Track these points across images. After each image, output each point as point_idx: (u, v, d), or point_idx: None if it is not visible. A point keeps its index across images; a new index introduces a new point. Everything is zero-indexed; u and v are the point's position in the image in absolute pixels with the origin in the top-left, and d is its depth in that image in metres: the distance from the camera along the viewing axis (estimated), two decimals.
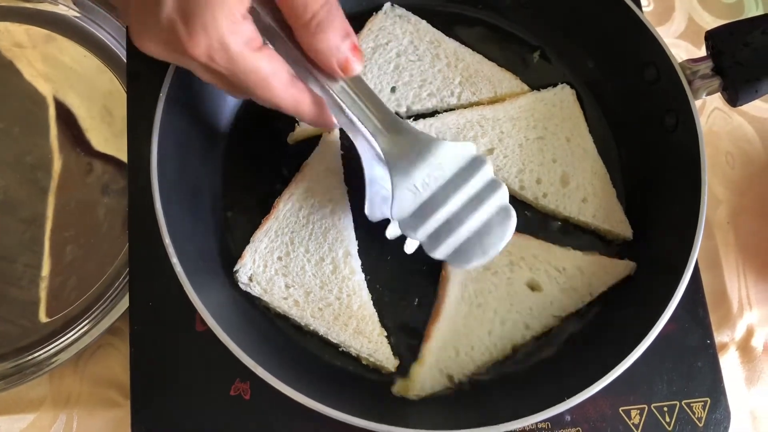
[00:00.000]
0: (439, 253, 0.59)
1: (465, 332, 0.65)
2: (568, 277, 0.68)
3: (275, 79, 0.51)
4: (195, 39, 0.47)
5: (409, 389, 0.63)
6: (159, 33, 0.48)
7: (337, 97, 0.55)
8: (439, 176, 0.58)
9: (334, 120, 0.58)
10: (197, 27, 0.46)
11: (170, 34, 0.47)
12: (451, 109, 0.74)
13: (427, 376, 0.63)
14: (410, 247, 0.61)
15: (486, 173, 0.59)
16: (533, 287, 0.67)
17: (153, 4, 0.47)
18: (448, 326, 0.65)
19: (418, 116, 0.73)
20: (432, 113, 0.74)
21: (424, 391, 0.63)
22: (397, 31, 0.76)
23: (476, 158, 0.59)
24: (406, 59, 0.75)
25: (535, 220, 0.72)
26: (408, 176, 0.58)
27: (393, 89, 0.74)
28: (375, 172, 0.60)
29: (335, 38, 0.51)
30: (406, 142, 0.58)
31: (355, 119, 0.56)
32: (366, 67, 0.74)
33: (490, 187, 0.59)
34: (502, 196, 0.59)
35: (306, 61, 0.53)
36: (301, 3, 0.49)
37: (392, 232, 0.61)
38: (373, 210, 0.61)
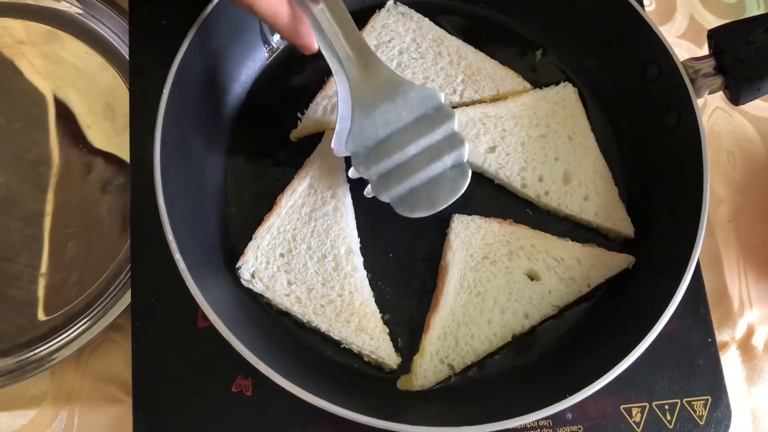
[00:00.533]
0: (386, 196, 0.59)
1: (465, 321, 0.65)
2: (567, 267, 0.68)
3: None
4: None
5: (413, 381, 0.63)
6: None
7: (315, 17, 0.56)
8: (401, 118, 0.59)
9: (314, 43, 0.58)
10: None
11: None
12: (454, 107, 0.74)
13: (429, 366, 0.64)
14: (368, 191, 0.61)
15: (449, 126, 0.59)
16: (532, 277, 0.68)
17: None
18: (448, 316, 0.65)
19: None
20: None
21: (428, 381, 0.64)
22: (400, 28, 0.76)
23: (442, 108, 0.59)
24: (408, 57, 0.75)
25: (536, 217, 0.72)
26: (369, 110, 0.58)
27: None
28: (348, 108, 0.60)
29: None
30: (375, 76, 0.58)
31: (332, 46, 0.57)
32: None
33: (451, 141, 0.59)
34: (460, 153, 0.59)
35: None
36: None
37: (353, 172, 0.61)
38: (340, 145, 0.61)
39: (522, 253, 0.68)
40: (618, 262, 0.69)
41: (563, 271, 0.68)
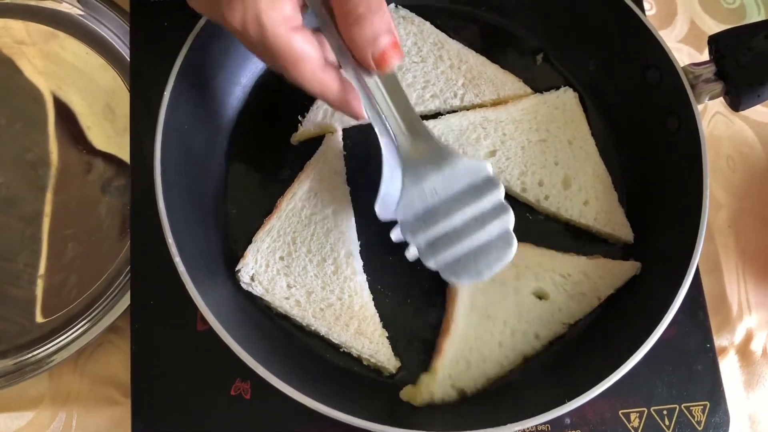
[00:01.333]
0: (433, 263, 0.58)
1: (476, 345, 0.65)
2: (575, 282, 0.67)
3: (305, 61, 0.52)
4: (233, 8, 0.49)
5: (417, 398, 0.63)
6: None
7: (368, 91, 0.56)
8: (450, 187, 0.58)
9: (363, 112, 0.58)
10: None
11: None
12: (454, 111, 0.74)
13: (438, 389, 0.63)
14: (411, 254, 0.60)
15: (496, 196, 0.58)
16: (540, 296, 0.67)
17: None
18: (459, 339, 0.65)
19: (420, 118, 0.73)
20: (435, 115, 0.74)
21: (433, 401, 0.63)
22: (401, 32, 0.76)
23: (490, 179, 0.59)
24: (409, 60, 0.75)
25: (536, 222, 0.72)
26: (419, 179, 0.58)
27: None
28: (394, 172, 0.60)
29: (374, 31, 0.51)
30: (425, 146, 0.58)
31: (382, 115, 0.57)
32: None
33: (498, 210, 0.58)
34: (507, 221, 0.58)
35: (347, 51, 0.54)
36: None
37: (397, 235, 0.61)
38: (384, 209, 0.61)
39: (529, 272, 0.67)
40: (625, 270, 0.69)
41: (572, 287, 0.67)
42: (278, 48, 0.50)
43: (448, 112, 0.74)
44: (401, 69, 0.75)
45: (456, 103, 0.74)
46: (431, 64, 0.75)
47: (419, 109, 0.74)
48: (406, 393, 0.64)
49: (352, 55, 0.53)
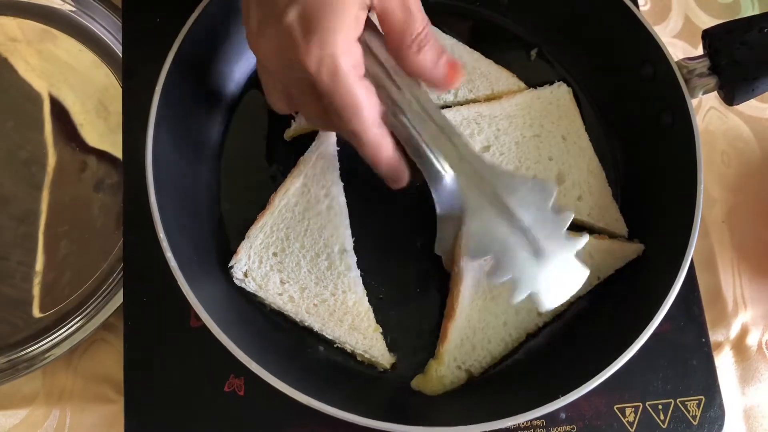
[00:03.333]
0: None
1: (481, 326, 0.65)
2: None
3: (368, 110, 0.53)
4: (310, 49, 0.49)
5: (430, 386, 0.63)
6: (277, 37, 0.50)
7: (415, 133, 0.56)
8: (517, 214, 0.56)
9: (407, 175, 0.59)
10: (315, 38, 0.49)
11: (288, 40, 0.50)
12: (448, 107, 0.74)
13: (447, 373, 0.63)
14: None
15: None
16: None
17: (277, 9, 0.50)
18: (465, 323, 0.65)
19: None
20: None
21: (445, 387, 0.64)
22: None
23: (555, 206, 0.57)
24: None
25: None
26: (481, 212, 0.57)
27: None
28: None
29: (434, 55, 0.55)
30: (483, 178, 0.57)
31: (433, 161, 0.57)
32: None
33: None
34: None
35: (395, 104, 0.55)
36: (407, 25, 0.53)
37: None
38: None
39: None
40: (627, 251, 0.68)
41: None
42: (346, 92, 0.51)
43: (442, 108, 0.74)
44: None
45: (449, 98, 0.74)
46: None
47: None
48: (418, 382, 0.64)
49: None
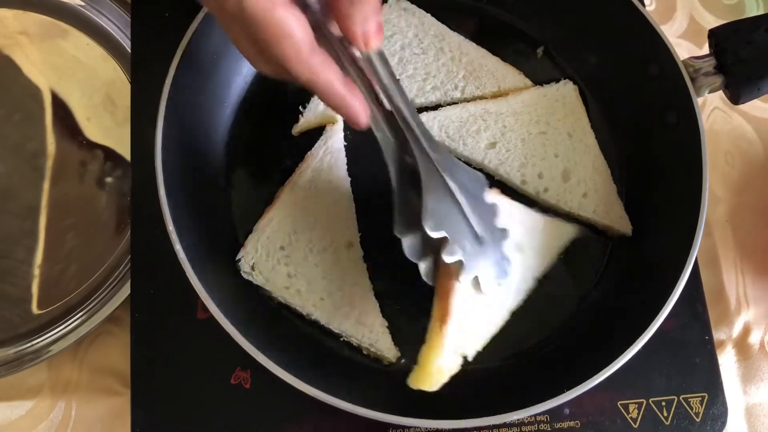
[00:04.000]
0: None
1: (471, 317, 0.65)
2: (537, 237, 0.68)
3: (290, 38, 0.47)
4: None
5: (428, 381, 0.63)
6: None
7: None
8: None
9: (363, 113, 0.52)
10: None
11: None
12: (455, 103, 0.74)
13: (445, 362, 0.63)
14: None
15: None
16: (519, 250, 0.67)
17: None
18: (457, 321, 0.64)
19: (421, 109, 0.74)
20: (435, 107, 0.74)
21: (443, 377, 0.63)
22: (402, 23, 0.76)
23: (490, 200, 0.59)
24: (410, 52, 0.75)
25: None
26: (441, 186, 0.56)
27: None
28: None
29: (369, 11, 0.48)
30: (429, 154, 0.56)
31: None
32: None
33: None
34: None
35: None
36: None
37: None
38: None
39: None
40: (569, 230, 0.69)
41: (537, 241, 0.68)
42: (258, 18, 0.46)
43: (449, 104, 0.74)
44: (402, 61, 0.75)
45: (457, 95, 0.74)
46: (432, 56, 0.75)
47: (420, 101, 0.74)
48: (415, 380, 0.63)
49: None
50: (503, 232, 0.60)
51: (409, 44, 0.75)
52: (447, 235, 0.55)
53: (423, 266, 0.59)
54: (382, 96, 0.53)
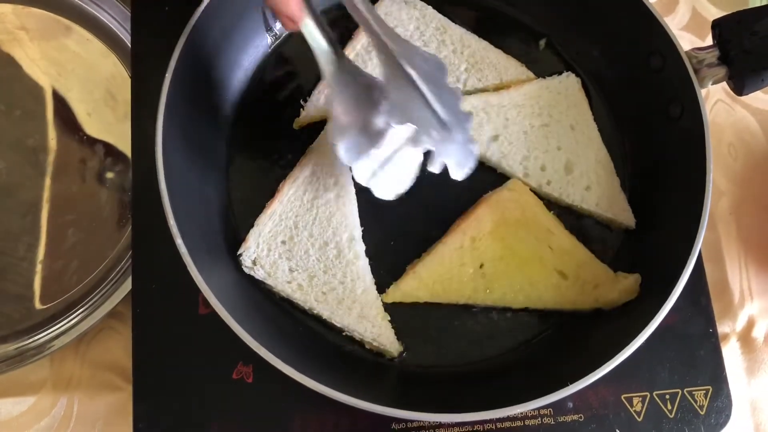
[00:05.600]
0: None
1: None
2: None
3: None
4: None
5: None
6: None
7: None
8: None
9: (300, 16, 0.56)
10: None
11: None
12: None
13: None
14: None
15: None
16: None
17: None
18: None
19: None
20: None
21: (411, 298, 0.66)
22: (403, 16, 0.76)
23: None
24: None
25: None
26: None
27: None
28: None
29: None
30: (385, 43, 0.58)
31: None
32: (370, 53, 0.74)
33: None
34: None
35: None
36: None
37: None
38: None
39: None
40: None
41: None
42: None
43: None
44: None
45: (458, 87, 0.74)
46: (434, 48, 0.75)
47: None
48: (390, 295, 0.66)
49: None
50: (467, 116, 0.62)
51: (411, 37, 0.75)
52: (414, 126, 0.59)
53: (358, 168, 0.62)
54: None
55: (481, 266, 0.66)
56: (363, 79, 0.61)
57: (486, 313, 0.67)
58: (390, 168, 0.63)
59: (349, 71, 0.60)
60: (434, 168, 0.62)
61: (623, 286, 0.66)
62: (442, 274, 0.65)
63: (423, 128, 0.60)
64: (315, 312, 0.65)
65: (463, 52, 0.75)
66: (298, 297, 0.64)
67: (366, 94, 0.60)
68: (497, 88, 0.74)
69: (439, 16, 0.76)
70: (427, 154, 0.62)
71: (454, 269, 0.66)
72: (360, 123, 0.60)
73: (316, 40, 0.58)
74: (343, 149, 0.60)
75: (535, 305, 0.66)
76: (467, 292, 0.66)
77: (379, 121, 0.60)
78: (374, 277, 0.66)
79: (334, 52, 0.59)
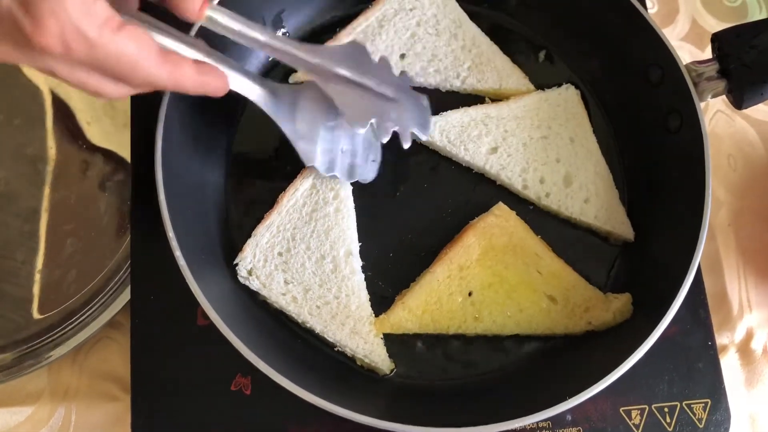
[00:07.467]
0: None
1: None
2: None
3: (145, 57, 0.46)
4: (43, 27, 0.40)
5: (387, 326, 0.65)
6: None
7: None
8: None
9: (225, 80, 0.56)
10: (43, 12, 0.39)
11: (12, 26, 0.40)
12: (453, 92, 0.74)
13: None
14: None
15: None
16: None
17: None
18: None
19: (417, 89, 0.72)
20: (433, 91, 0.74)
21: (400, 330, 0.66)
22: (425, 0, 0.76)
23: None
24: (424, 31, 0.75)
25: (537, 219, 0.71)
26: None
27: (402, 56, 0.74)
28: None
29: None
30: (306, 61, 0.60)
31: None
32: (382, 28, 0.74)
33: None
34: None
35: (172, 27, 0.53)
36: None
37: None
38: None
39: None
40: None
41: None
42: (111, 54, 0.44)
43: (446, 92, 0.74)
44: (414, 36, 0.74)
45: (457, 84, 0.74)
46: (444, 40, 0.75)
47: (419, 80, 0.74)
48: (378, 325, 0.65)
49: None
50: (403, 76, 0.67)
51: (426, 22, 0.75)
52: (373, 119, 0.62)
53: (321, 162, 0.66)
54: (239, 40, 0.56)
55: (470, 294, 0.66)
56: (308, 94, 0.65)
57: None
58: (362, 153, 0.68)
59: (287, 93, 0.64)
60: (406, 143, 0.66)
61: (615, 307, 0.66)
62: (431, 304, 0.65)
63: (383, 116, 0.63)
64: (308, 325, 0.64)
65: (471, 50, 0.75)
66: (292, 309, 0.64)
67: (315, 105, 0.64)
68: (495, 94, 0.74)
69: (459, 9, 0.76)
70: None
71: (443, 299, 0.65)
72: (322, 135, 0.65)
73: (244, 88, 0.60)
74: (322, 167, 0.65)
75: (526, 331, 0.66)
76: (456, 322, 0.65)
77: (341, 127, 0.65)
78: (372, 288, 0.66)
79: (261, 86, 0.62)
